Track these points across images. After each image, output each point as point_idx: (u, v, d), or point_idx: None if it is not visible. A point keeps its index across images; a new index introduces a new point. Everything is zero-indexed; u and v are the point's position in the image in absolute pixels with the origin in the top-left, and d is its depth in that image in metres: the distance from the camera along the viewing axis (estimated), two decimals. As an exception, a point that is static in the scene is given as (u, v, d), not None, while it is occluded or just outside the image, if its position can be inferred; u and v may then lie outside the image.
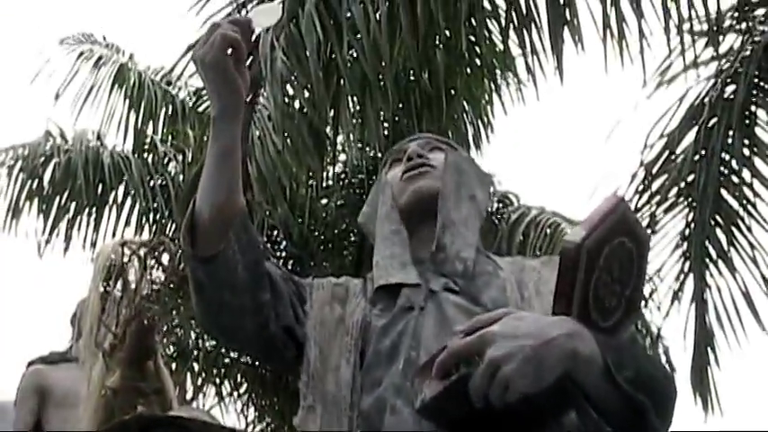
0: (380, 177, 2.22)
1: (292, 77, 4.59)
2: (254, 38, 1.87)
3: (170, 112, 8.24)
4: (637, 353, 1.77)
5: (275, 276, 1.99)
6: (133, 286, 6.49)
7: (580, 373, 1.56)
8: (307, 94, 4.67)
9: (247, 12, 4.64)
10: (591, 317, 1.68)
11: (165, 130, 8.20)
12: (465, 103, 6.59)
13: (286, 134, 4.72)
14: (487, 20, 5.13)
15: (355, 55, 4.62)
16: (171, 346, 8.20)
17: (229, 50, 1.78)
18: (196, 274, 1.89)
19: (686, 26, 4.84)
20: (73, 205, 7.76)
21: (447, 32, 4.74)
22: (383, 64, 4.39)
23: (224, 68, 1.79)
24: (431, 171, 2.07)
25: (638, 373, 1.63)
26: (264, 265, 1.96)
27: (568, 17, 4.56)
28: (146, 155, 8.11)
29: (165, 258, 7.00)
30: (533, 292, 1.94)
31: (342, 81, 4.69)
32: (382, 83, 4.56)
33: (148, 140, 8.08)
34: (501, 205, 7.83)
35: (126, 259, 7.04)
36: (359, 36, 4.45)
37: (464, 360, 1.56)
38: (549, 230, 7.25)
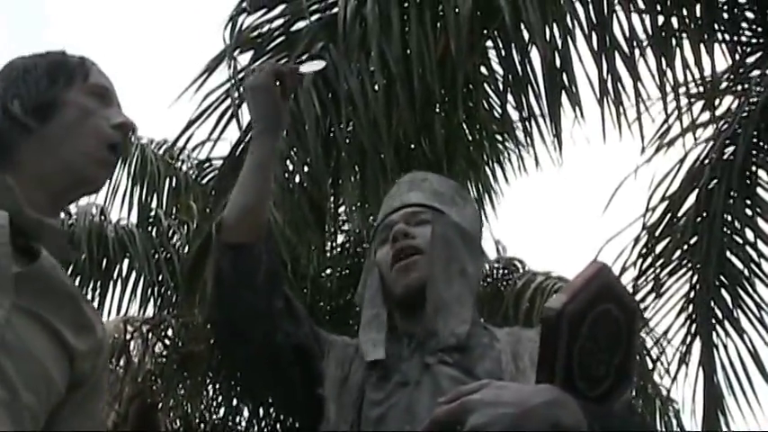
0: (369, 256, 2.25)
1: (292, 152, 4.62)
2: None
3: (173, 186, 8.27)
4: (629, 423, 1.76)
5: (295, 302, 2.09)
6: (136, 363, 6.49)
7: None
8: (306, 169, 4.69)
9: (245, 90, 4.69)
10: (576, 385, 1.66)
11: (168, 204, 8.22)
12: (468, 170, 6.62)
13: (287, 209, 4.72)
14: (485, 85, 5.17)
15: (354, 127, 4.64)
16: (177, 421, 8.15)
17: (276, 81, 2.04)
18: (220, 264, 2.02)
19: (682, 89, 4.88)
20: (77, 280, 7.75)
21: (446, 99, 4.76)
22: (381, 136, 4.41)
23: (270, 91, 2.04)
24: (418, 260, 2.09)
25: None
26: (283, 280, 2.09)
27: (566, 82, 4.58)
28: (150, 228, 8.13)
29: (169, 333, 7.03)
30: (528, 364, 1.96)
31: (342, 154, 4.71)
32: (382, 154, 4.58)
33: (152, 214, 8.10)
34: (506, 271, 7.82)
35: (128, 336, 7.05)
36: (357, 108, 4.47)
37: (446, 428, 1.56)
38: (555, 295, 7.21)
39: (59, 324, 1.60)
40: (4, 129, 1.71)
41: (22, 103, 1.72)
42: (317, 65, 2.24)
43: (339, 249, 8.22)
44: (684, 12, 4.70)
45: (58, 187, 1.72)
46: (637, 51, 4.58)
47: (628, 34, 4.55)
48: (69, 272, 7.65)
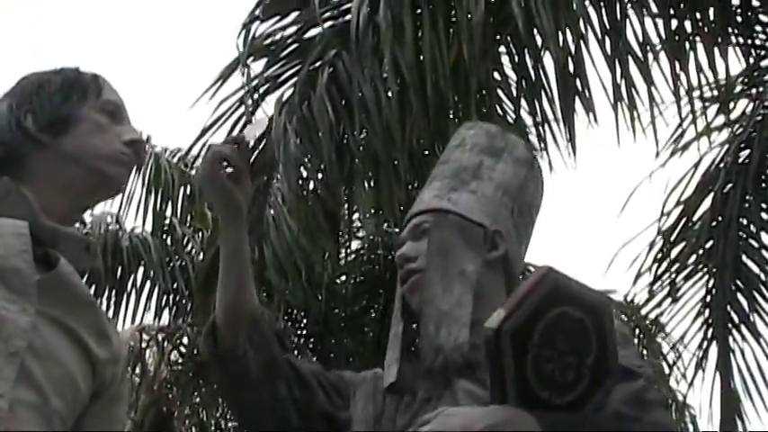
0: None
1: (306, 160, 4.62)
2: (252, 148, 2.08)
3: (188, 194, 8.27)
4: (603, 424, 1.75)
5: (303, 371, 2.09)
6: (152, 372, 6.50)
7: None
8: (320, 176, 4.69)
9: (260, 95, 4.71)
10: (538, 396, 1.65)
11: (182, 212, 8.23)
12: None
13: (301, 216, 4.73)
14: (499, 90, 5.16)
15: (368, 133, 4.64)
16: (193, 429, 8.15)
17: (224, 164, 1.97)
18: (215, 374, 2.09)
19: (696, 93, 4.86)
20: (92, 289, 7.76)
21: (459, 105, 4.75)
22: (395, 142, 4.41)
23: (215, 181, 1.98)
24: (418, 280, 2.11)
25: None
26: (282, 361, 2.06)
27: (579, 87, 4.57)
28: (164, 237, 8.14)
29: (184, 341, 7.04)
30: None
31: (355, 160, 4.71)
32: (395, 161, 4.57)
33: (167, 222, 8.11)
34: (521, 277, 7.80)
35: (144, 345, 7.06)
36: (371, 115, 4.47)
37: None
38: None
39: (83, 331, 1.62)
40: (17, 142, 1.74)
41: (36, 118, 1.75)
42: (260, 125, 2.19)
43: (353, 256, 8.22)
44: (698, 15, 4.68)
45: (80, 191, 1.76)
46: (650, 55, 4.56)
47: (641, 38, 4.54)
48: (84, 280, 7.67)
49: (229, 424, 8.32)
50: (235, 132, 4.73)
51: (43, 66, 1.85)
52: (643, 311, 6.33)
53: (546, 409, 1.65)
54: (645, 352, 7.10)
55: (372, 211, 5.01)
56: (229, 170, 2.00)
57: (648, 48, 4.55)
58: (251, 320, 2.06)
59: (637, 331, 7.05)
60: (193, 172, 8.36)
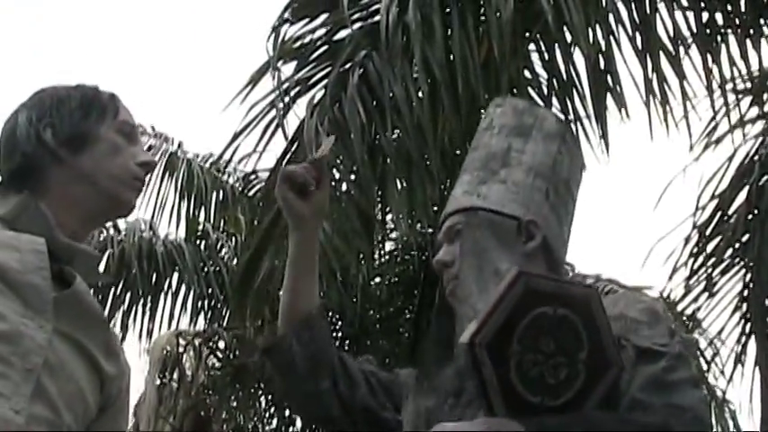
0: None
1: (338, 161, 4.62)
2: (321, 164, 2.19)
3: (220, 199, 8.31)
4: (601, 419, 1.73)
5: (351, 367, 2.20)
6: (189, 377, 6.52)
7: None
8: (353, 177, 4.69)
9: (291, 98, 4.71)
10: (529, 402, 1.63)
11: (216, 217, 8.26)
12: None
13: (334, 218, 4.73)
14: (530, 88, 5.14)
15: (400, 134, 4.64)
16: (231, 432, 8.18)
17: (289, 182, 2.14)
18: (267, 365, 2.27)
19: (729, 86, 4.82)
20: (128, 295, 7.82)
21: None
22: (427, 142, 4.40)
23: (282, 197, 2.15)
24: (456, 286, 2.09)
25: None
26: (330, 358, 2.17)
27: (610, 83, 4.55)
28: (198, 242, 8.18)
29: (221, 345, 7.06)
30: None
31: (387, 161, 4.70)
32: (428, 161, 4.57)
33: (200, 228, 8.14)
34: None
35: (181, 350, 7.08)
36: (402, 115, 4.47)
37: None
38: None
39: (94, 349, 1.68)
40: (37, 155, 1.77)
41: (55, 132, 1.79)
42: (329, 141, 2.27)
43: (387, 257, 8.22)
44: (729, 7, 4.65)
45: (92, 210, 1.81)
46: (681, 49, 4.54)
47: (672, 32, 4.52)
48: (120, 287, 7.73)
49: (266, 428, 8.34)
50: (266, 137, 4.75)
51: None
52: (679, 307, 6.29)
53: (540, 413, 1.64)
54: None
55: (405, 211, 4.99)
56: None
57: (680, 41, 4.53)
58: (303, 319, 2.16)
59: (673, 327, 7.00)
60: (225, 177, 8.40)
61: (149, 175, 1.95)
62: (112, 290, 7.77)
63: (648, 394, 1.77)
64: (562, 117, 4.66)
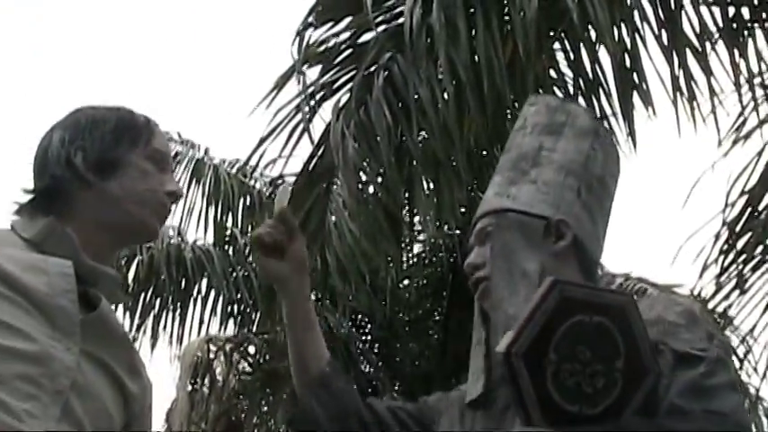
0: None
1: (365, 164, 4.62)
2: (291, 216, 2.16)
3: (248, 204, 8.33)
4: (642, 427, 1.72)
5: (380, 412, 2.17)
6: (221, 382, 6.54)
7: None
8: (380, 179, 4.69)
9: (316, 102, 4.71)
10: (568, 411, 1.62)
11: (243, 222, 8.28)
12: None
13: (362, 220, 4.73)
14: (555, 88, 5.12)
15: (426, 135, 4.64)
16: (263, 437, 8.19)
17: (261, 249, 2.11)
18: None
19: (757, 80, 4.79)
20: (158, 301, 7.85)
21: (516, 104, 4.72)
22: (454, 143, 4.40)
23: (260, 266, 2.19)
24: (486, 287, 2.10)
25: None
26: (355, 411, 2.14)
27: (637, 81, 4.53)
28: (226, 247, 8.20)
29: (251, 350, 7.07)
30: None
31: (414, 163, 4.70)
32: (454, 162, 4.56)
33: (228, 233, 8.17)
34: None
35: (212, 355, 7.10)
36: (428, 117, 4.46)
37: None
38: (635, 297, 7.15)
39: (118, 369, 1.72)
40: (65, 179, 1.80)
41: (86, 156, 1.81)
42: (284, 191, 2.26)
43: (415, 260, 8.22)
44: (755, 1, 4.62)
45: (117, 235, 1.84)
46: (708, 45, 4.51)
47: (698, 28, 4.49)
48: (150, 293, 7.77)
49: (298, 432, 8.34)
50: (292, 141, 4.76)
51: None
52: (711, 305, 6.25)
53: (578, 422, 1.63)
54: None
55: (433, 213, 4.99)
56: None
57: (706, 37, 4.50)
58: (317, 378, 2.14)
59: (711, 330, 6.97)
60: (252, 182, 8.42)
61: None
62: (142, 296, 7.81)
63: (687, 400, 1.76)
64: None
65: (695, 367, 1.79)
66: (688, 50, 4.48)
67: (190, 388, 7.33)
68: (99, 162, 1.81)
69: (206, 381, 7.56)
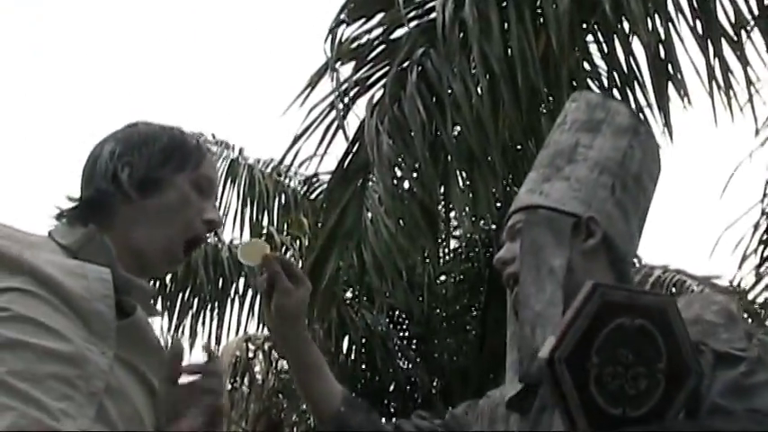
0: None
1: (399, 159, 4.62)
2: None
3: (283, 203, 8.36)
4: (686, 428, 1.71)
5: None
6: (260, 381, 6.57)
7: None
8: (415, 175, 4.68)
9: (350, 99, 4.72)
10: (611, 415, 1.62)
11: (279, 221, 8.31)
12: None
13: (398, 216, 4.73)
14: (589, 81, 5.10)
15: (460, 130, 4.63)
16: (303, 434, 8.22)
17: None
18: None
19: (794, 68, 4.74)
20: (196, 301, 7.90)
21: (550, 98, 4.71)
22: (488, 138, 4.39)
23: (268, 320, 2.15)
24: (516, 287, 2.08)
25: None
26: None
27: (671, 72, 4.50)
28: (263, 246, 8.22)
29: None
30: None
31: (449, 158, 4.69)
32: (489, 156, 4.55)
33: (264, 232, 8.19)
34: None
35: (251, 354, 7.13)
36: (462, 111, 4.45)
37: None
38: (674, 289, 7.12)
39: (151, 376, 1.74)
40: (109, 193, 1.82)
41: (131, 173, 1.83)
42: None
43: (452, 255, 8.21)
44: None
45: (148, 253, 1.83)
46: (743, 34, 4.47)
47: (733, 17, 4.46)
48: (188, 293, 7.81)
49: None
50: (327, 139, 4.77)
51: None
52: (750, 295, 6.21)
53: (622, 424, 1.63)
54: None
55: (469, 208, 4.98)
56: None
57: (741, 26, 4.47)
58: (335, 417, 2.13)
59: (745, 315, 6.93)
60: (287, 181, 8.45)
61: None
62: (180, 296, 7.86)
63: (729, 399, 1.75)
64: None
65: (736, 367, 1.78)
66: (723, 40, 4.45)
67: (229, 387, 7.37)
68: (143, 180, 1.82)
69: (245, 380, 7.59)
